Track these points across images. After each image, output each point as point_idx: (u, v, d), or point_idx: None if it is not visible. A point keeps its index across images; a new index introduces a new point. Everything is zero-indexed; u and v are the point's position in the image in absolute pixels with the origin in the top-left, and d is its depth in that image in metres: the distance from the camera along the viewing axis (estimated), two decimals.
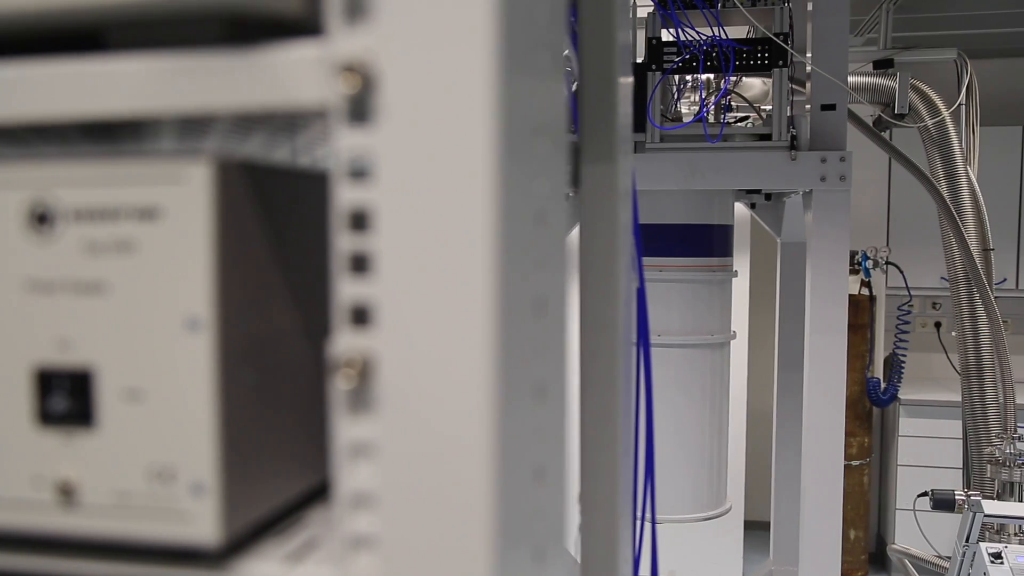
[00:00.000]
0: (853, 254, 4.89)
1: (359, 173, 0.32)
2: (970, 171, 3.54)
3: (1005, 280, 4.91)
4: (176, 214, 0.39)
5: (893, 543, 3.15)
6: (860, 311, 4.80)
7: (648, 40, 2.66)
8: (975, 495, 2.62)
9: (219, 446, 0.38)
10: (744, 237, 4.81)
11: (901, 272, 4.62)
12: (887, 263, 4.70)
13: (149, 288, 0.38)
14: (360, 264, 0.32)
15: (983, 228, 3.58)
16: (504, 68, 0.30)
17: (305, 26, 0.34)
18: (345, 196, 0.33)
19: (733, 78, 3.11)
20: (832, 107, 2.66)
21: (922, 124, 3.52)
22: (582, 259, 0.69)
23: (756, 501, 4.86)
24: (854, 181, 5.14)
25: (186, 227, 0.37)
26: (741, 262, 4.87)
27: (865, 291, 4.80)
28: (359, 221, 0.32)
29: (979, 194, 3.58)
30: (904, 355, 4.72)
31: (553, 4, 0.35)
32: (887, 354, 4.85)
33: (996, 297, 4.91)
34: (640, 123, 2.62)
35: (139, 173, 0.39)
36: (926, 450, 4.72)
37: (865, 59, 4.00)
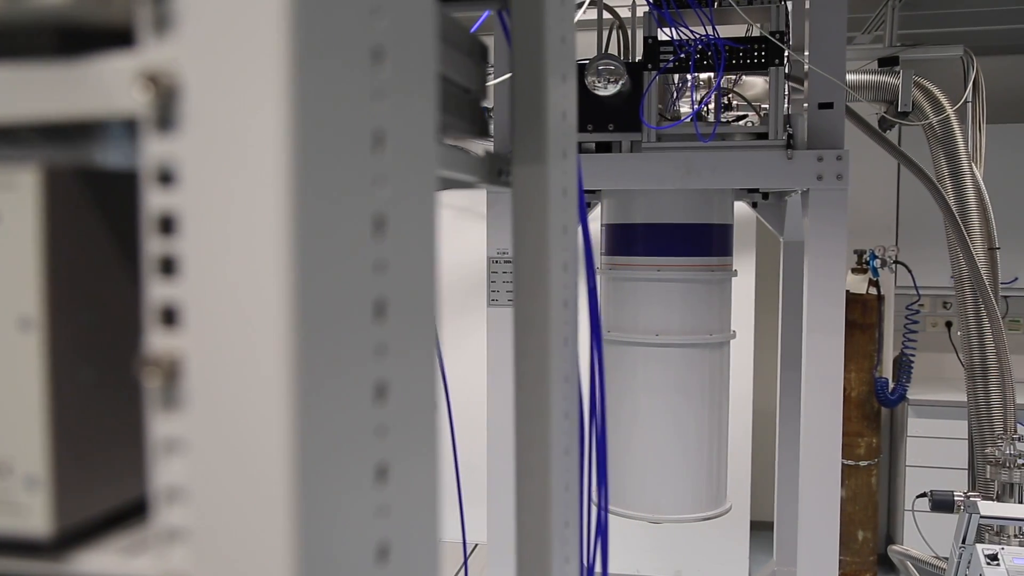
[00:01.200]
0: (861, 253, 4.86)
1: (166, 178, 0.33)
2: (975, 169, 3.51)
3: (1016, 279, 4.86)
4: (10, 219, 0.40)
5: (893, 544, 3.13)
6: (868, 311, 4.77)
7: (645, 40, 2.66)
8: (975, 496, 2.60)
9: (51, 441, 0.39)
10: (749, 236, 4.79)
11: (909, 271, 4.59)
12: (895, 262, 4.67)
13: None
14: (169, 267, 0.34)
15: (989, 227, 3.55)
16: (302, 77, 0.31)
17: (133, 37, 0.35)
18: (154, 201, 0.34)
19: (732, 77, 3.11)
20: (830, 105, 2.65)
21: (926, 122, 3.49)
22: (515, 259, 0.70)
23: (762, 501, 4.84)
24: (862, 179, 5.13)
25: (19, 231, 0.39)
26: (746, 261, 4.85)
27: (873, 290, 4.77)
28: (167, 225, 0.34)
29: (985, 192, 3.54)
30: (913, 355, 4.69)
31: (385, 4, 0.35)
32: (896, 354, 4.82)
33: (1006, 296, 4.87)
34: (636, 123, 2.62)
35: None
36: (935, 451, 4.68)
37: (870, 57, 3.97)
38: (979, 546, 2.33)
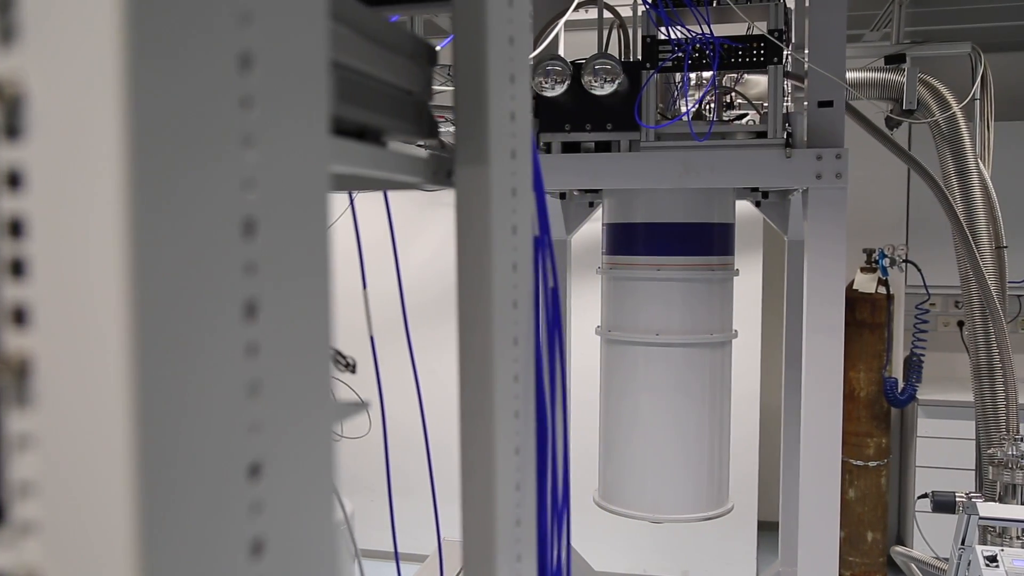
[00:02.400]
0: (870, 252, 4.83)
1: (15, 182, 0.34)
2: (983, 167, 3.48)
3: None
4: None
5: (897, 546, 3.11)
6: (877, 310, 4.73)
7: (643, 39, 2.65)
8: (977, 496, 2.58)
9: None
10: (756, 236, 4.76)
11: (919, 270, 4.55)
12: (904, 261, 4.63)
13: None
14: (19, 268, 0.35)
15: (996, 225, 3.51)
16: (141, 82, 0.32)
17: None
18: (5, 205, 0.35)
19: (734, 75, 3.09)
20: (829, 103, 2.63)
21: (931, 119, 3.46)
22: (457, 259, 0.70)
23: (769, 501, 4.81)
24: (872, 178, 5.08)
25: None
26: (753, 260, 4.83)
27: (882, 290, 4.73)
28: (17, 228, 0.35)
29: (992, 190, 3.51)
30: (922, 355, 4.65)
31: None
32: (907, 354, 4.78)
33: (1016, 295, 4.81)
34: (634, 122, 2.62)
35: None
36: (945, 451, 4.64)
37: (879, 54, 3.94)
38: (978, 547, 2.31)
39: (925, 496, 2.65)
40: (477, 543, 0.71)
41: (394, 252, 1.40)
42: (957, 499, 2.57)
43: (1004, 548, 2.27)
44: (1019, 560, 2.27)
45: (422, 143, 0.84)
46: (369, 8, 0.64)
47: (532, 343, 0.82)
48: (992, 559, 2.26)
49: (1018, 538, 2.63)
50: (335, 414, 0.51)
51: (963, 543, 2.31)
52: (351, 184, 0.77)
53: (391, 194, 1.48)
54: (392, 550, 2.05)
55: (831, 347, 2.61)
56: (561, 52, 3.48)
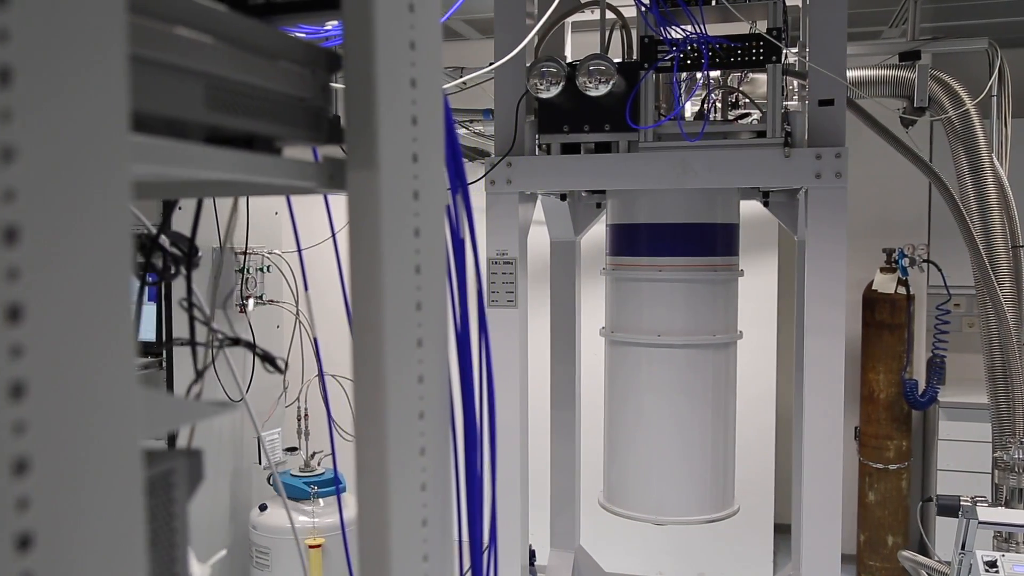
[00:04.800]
0: (890, 252, 4.75)
1: None
2: (998, 164, 3.41)
3: None
4: None
5: (902, 550, 3.07)
6: (897, 311, 4.66)
7: (640, 39, 2.65)
8: (982, 500, 2.53)
9: None
10: (772, 236, 4.72)
11: (940, 270, 4.47)
12: (924, 261, 4.56)
13: None
14: None
15: (1012, 224, 3.44)
16: None
17: None
18: None
19: (737, 74, 3.07)
20: (830, 102, 2.60)
21: (944, 116, 3.40)
22: (350, 261, 0.71)
23: (786, 504, 4.76)
24: (893, 177, 5.00)
25: None
26: (768, 261, 4.78)
27: (902, 290, 4.65)
28: None
29: (1008, 188, 3.44)
30: (944, 356, 4.57)
31: None
32: (930, 355, 4.69)
33: None
34: (635, 121, 2.61)
35: None
36: (967, 454, 4.55)
37: (895, 51, 3.88)
38: (979, 552, 2.27)
39: (930, 500, 2.60)
40: (371, 544, 0.72)
41: (336, 253, 1.41)
42: (962, 503, 2.53)
43: (1005, 554, 2.22)
44: (1020, 566, 2.23)
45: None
46: (250, 20, 0.66)
47: (442, 344, 0.82)
48: (992, 564, 2.22)
49: None
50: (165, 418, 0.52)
51: (963, 548, 2.27)
52: (241, 190, 0.78)
53: None
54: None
55: (832, 349, 2.58)
56: (568, 53, 3.48)
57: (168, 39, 0.55)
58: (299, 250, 1.38)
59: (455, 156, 0.91)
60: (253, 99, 0.66)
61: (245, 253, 3.98)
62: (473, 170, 3.20)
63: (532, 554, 3.78)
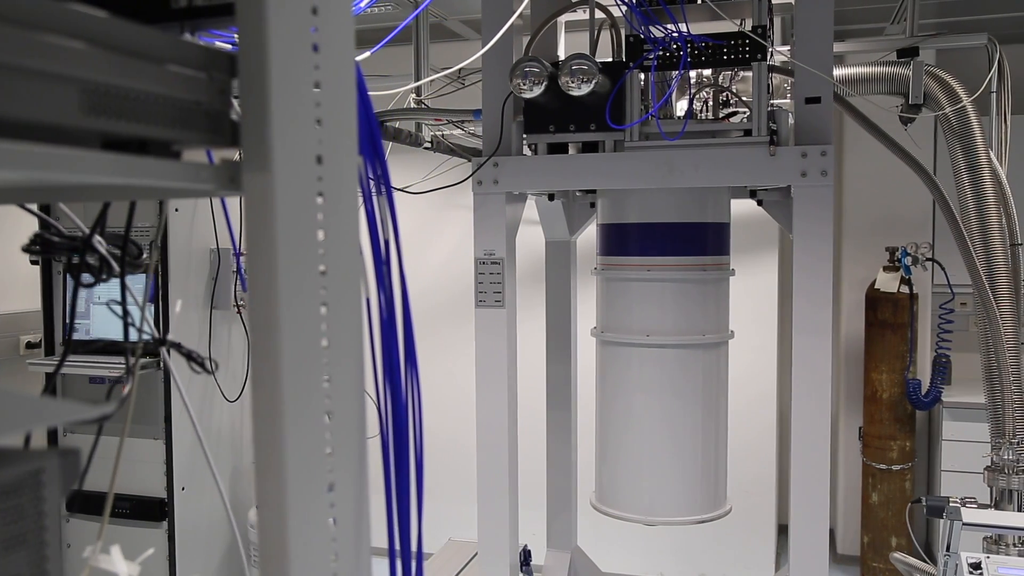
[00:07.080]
0: (893, 250, 4.71)
1: None
2: (995, 162, 3.37)
3: None
4: None
5: (893, 552, 3.04)
6: (899, 310, 4.62)
7: (626, 38, 2.64)
8: (971, 501, 2.51)
9: None
10: (772, 235, 4.69)
11: (943, 269, 4.43)
12: (928, 259, 4.52)
13: None
14: None
15: (1010, 222, 3.40)
16: None
17: None
18: None
19: (728, 72, 3.06)
20: (817, 100, 2.59)
21: (940, 112, 3.37)
22: (247, 262, 0.72)
23: (788, 504, 4.73)
24: (896, 175, 4.97)
25: None
26: (769, 260, 4.76)
27: (905, 289, 4.61)
28: None
29: (1006, 185, 3.40)
30: (947, 355, 4.52)
31: None
32: (935, 355, 4.65)
33: None
34: (619, 121, 2.60)
35: None
36: (971, 455, 4.50)
37: (892, 48, 3.85)
38: (963, 554, 2.24)
39: (919, 501, 2.58)
40: (271, 544, 0.73)
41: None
42: (949, 504, 2.50)
43: (990, 556, 2.20)
44: (1005, 568, 2.20)
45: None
46: (132, 25, 0.66)
47: (354, 345, 0.83)
48: (976, 566, 2.20)
49: (1015, 545, 2.55)
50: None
51: (947, 549, 2.25)
52: (137, 194, 0.79)
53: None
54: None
55: (819, 349, 2.56)
56: (560, 53, 3.48)
57: (30, 45, 0.56)
58: (237, 253, 1.39)
59: (378, 155, 0.92)
60: (141, 103, 0.66)
61: (243, 254, 4.00)
62: (462, 170, 3.21)
63: (528, 554, 3.78)
